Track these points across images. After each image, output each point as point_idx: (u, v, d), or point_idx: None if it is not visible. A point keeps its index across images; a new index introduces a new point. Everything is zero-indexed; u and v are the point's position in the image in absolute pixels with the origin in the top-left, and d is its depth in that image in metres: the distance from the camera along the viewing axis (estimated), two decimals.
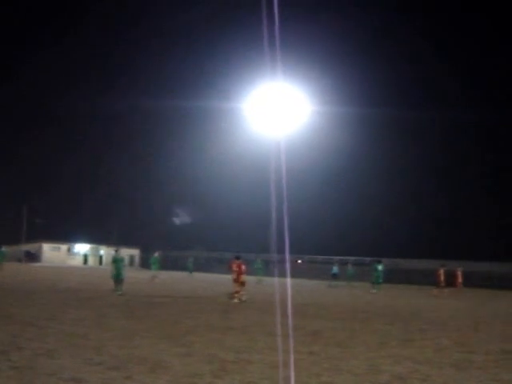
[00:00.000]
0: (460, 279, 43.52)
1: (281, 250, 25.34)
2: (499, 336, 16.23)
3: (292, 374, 9.37)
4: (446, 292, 39.11)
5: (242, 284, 25.74)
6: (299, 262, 67.10)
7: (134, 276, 47.23)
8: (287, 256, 23.97)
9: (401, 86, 76.35)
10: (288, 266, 25.85)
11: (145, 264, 76.45)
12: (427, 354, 12.21)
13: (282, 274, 33.80)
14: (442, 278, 40.37)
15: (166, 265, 60.75)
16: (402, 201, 72.47)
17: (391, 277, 58.21)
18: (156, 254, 51.64)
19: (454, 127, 71.61)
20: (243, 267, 26.12)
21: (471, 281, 53.57)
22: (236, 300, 24.60)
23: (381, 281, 40.97)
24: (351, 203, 72.70)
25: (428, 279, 56.48)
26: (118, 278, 26.10)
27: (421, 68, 76.71)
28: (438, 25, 78.40)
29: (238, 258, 27.06)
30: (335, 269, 49.44)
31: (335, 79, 68.70)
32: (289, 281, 25.55)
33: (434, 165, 73.53)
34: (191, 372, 9.35)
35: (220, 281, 40.94)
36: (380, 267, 41.15)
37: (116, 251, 27.90)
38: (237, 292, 25.32)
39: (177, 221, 69.76)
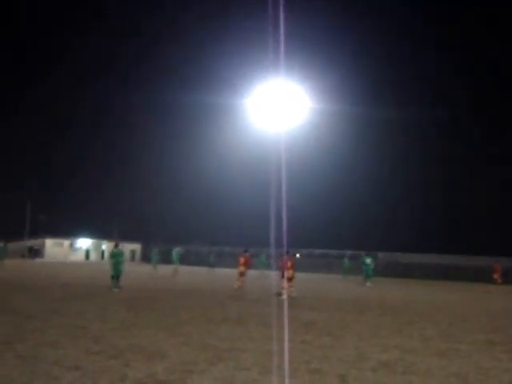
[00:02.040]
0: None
1: (280, 245, 25.32)
2: (486, 327, 16.70)
3: (283, 361, 9.87)
4: (502, 288, 39.67)
5: (290, 279, 25.07)
6: (297, 256, 67.50)
7: (146, 271, 47.74)
8: (285, 250, 24.22)
9: (402, 86, 76.54)
10: (285, 259, 25.87)
11: (145, 258, 77.15)
12: (414, 344, 12.70)
13: (276, 267, 34.19)
14: (499, 274, 40.92)
15: (185, 259, 61.90)
16: (402, 195, 72.86)
17: (390, 270, 58.74)
18: (177, 249, 52.52)
19: (456, 125, 71.96)
20: (290, 262, 25.54)
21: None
22: (284, 296, 23.69)
23: (370, 274, 41.17)
24: (350, 198, 73.09)
25: (426, 273, 57.15)
26: (115, 274, 25.63)
27: (423, 68, 76.90)
28: (443, 24, 78.40)
29: (287, 252, 26.30)
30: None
31: (336, 77, 68.94)
32: (279, 273, 25.80)
33: (434, 161, 73.86)
34: (187, 360, 9.84)
35: (230, 274, 41.35)
36: (368, 260, 41.38)
37: (116, 246, 27.51)
38: (283, 288, 24.62)
39: None
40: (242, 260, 28.76)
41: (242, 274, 28.36)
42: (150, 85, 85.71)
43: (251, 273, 30.72)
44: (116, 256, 26.21)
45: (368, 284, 39.36)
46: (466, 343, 13.08)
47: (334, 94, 66.59)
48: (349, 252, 60.81)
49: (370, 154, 72.61)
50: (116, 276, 25.62)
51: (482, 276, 50.84)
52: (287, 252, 26.32)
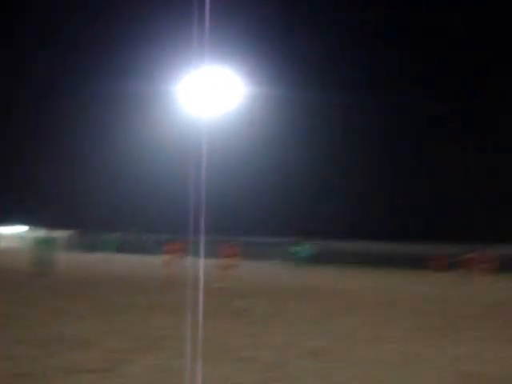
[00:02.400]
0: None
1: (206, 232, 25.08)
2: (416, 314, 17.07)
3: (213, 349, 9.95)
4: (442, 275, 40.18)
5: (228, 268, 25.09)
6: (232, 243, 67.29)
7: (80, 258, 47.06)
8: (202, 237, 24.09)
9: (336, 69, 76.86)
10: (202, 246, 25.82)
11: (78, 246, 76.15)
12: (344, 331, 12.92)
13: (213, 255, 33.96)
14: (445, 261, 41.27)
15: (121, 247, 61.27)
16: (337, 182, 73.44)
17: (325, 258, 59.08)
18: (112, 236, 51.93)
19: (392, 112, 72.59)
20: (231, 251, 25.60)
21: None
22: (216, 285, 23.48)
23: (303, 261, 41.14)
24: (286, 185, 73.22)
25: (361, 260, 57.65)
26: (44, 261, 25.26)
27: (358, 51, 77.35)
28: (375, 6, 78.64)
29: (229, 241, 26.34)
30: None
31: (270, 61, 68.71)
32: (217, 262, 25.80)
33: (372, 146, 74.39)
34: (118, 348, 9.82)
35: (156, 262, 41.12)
36: (299, 248, 41.39)
37: (44, 233, 27.02)
38: (222, 276, 24.76)
39: None
40: (172, 247, 28.66)
41: (172, 261, 28.23)
42: (77, 73, 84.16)
43: (184, 260, 30.57)
44: (44, 243, 25.73)
45: (299, 271, 39.56)
46: (395, 330, 13.34)
47: (267, 78, 66.30)
48: (283, 239, 60.97)
49: (306, 139, 72.73)
50: (45, 263, 25.20)
51: (418, 263, 51.66)
52: (229, 241, 26.41)
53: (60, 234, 74.05)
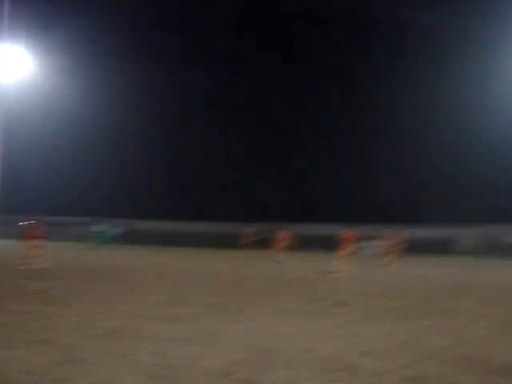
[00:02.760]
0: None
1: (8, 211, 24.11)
2: (212, 290, 17.56)
3: (5, 332, 9.58)
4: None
5: (33, 249, 24.28)
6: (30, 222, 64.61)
7: None
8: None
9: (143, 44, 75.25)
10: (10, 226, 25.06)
11: None
12: (143, 310, 12.94)
13: (13, 236, 32.67)
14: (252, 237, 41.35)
15: None
16: (139, 160, 72.24)
17: (129, 238, 58.24)
18: None
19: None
20: (34, 231, 24.74)
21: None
22: (32, 266, 23.19)
23: (105, 241, 40.62)
24: (80, 162, 70.79)
25: (167, 240, 57.57)
26: None
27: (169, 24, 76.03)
28: None
29: (32, 221, 25.60)
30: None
31: (62, 32, 65.81)
32: (16, 242, 24.90)
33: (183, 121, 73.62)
34: None
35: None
36: (98, 228, 40.84)
37: None
38: (30, 257, 23.95)
39: None
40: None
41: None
42: None
43: None
44: None
45: (101, 251, 38.93)
46: (192, 307, 13.53)
47: (61, 49, 63.64)
48: (87, 219, 59.53)
49: (107, 114, 70.65)
50: None
51: (223, 241, 52.33)
52: (31, 221, 25.62)
53: None
